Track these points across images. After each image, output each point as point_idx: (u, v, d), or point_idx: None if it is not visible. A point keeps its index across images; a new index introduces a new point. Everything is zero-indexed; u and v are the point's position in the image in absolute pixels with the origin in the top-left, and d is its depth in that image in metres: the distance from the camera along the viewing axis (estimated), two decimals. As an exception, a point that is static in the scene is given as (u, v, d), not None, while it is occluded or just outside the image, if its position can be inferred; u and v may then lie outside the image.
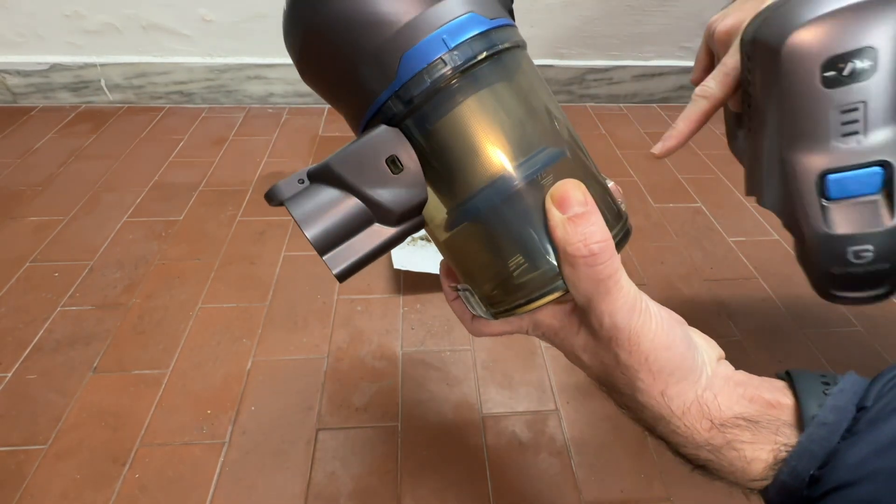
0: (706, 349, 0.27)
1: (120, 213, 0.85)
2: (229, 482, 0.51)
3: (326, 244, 0.25)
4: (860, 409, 0.23)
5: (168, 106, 1.18)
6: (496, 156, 0.24)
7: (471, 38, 0.24)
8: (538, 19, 1.17)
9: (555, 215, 0.24)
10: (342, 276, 0.25)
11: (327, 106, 1.21)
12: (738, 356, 0.65)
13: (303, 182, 0.25)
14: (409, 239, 0.77)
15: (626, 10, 1.17)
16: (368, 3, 0.23)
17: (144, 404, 0.57)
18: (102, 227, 0.82)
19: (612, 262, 0.23)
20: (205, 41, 1.13)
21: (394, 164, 0.25)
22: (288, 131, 1.11)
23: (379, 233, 0.26)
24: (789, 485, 0.23)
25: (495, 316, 0.27)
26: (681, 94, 1.30)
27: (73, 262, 0.75)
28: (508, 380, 0.62)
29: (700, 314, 0.71)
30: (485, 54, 0.24)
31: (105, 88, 1.16)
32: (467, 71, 0.24)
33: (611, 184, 0.28)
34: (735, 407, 0.25)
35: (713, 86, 0.35)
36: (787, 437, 0.24)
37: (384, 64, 0.24)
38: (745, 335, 0.68)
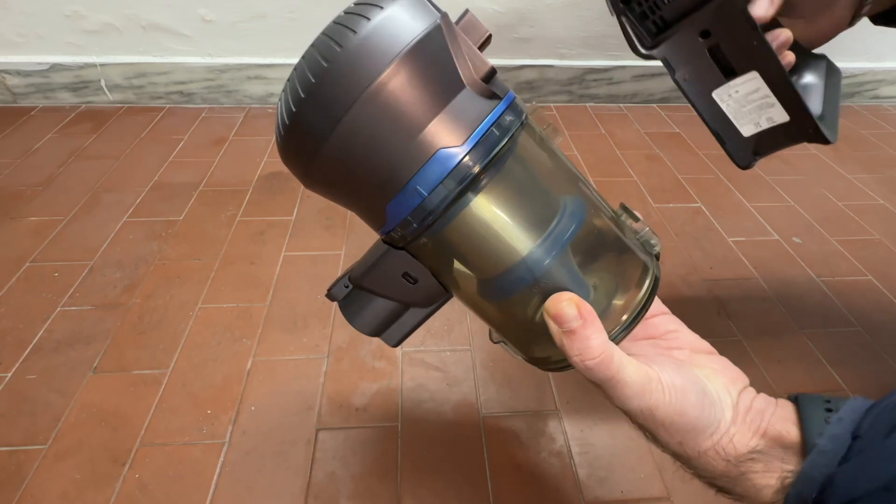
0: (728, 389, 0.29)
1: (120, 213, 0.85)
2: (229, 482, 0.51)
3: (376, 332, 0.31)
4: (855, 437, 0.25)
5: (168, 106, 1.18)
6: (499, 253, 0.26)
7: (443, 181, 0.24)
8: (538, 19, 1.17)
9: (552, 328, 0.26)
10: (396, 345, 0.32)
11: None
12: (739, 356, 0.65)
13: (347, 287, 0.30)
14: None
15: (626, 10, 1.17)
16: (348, 161, 0.24)
17: (144, 404, 0.57)
18: (102, 227, 0.82)
19: (610, 368, 0.25)
20: (205, 41, 1.13)
21: (408, 276, 0.28)
22: (288, 131, 1.11)
23: (416, 313, 0.31)
24: None
25: (532, 363, 0.31)
26: (680, 95, 1.29)
27: (73, 262, 0.75)
28: (508, 380, 0.62)
29: (700, 314, 0.71)
30: (458, 189, 0.24)
31: (105, 88, 1.16)
32: (449, 206, 0.24)
33: (645, 228, 0.30)
34: (749, 443, 0.27)
35: None
36: (793, 465, 0.27)
37: (374, 211, 0.26)
38: (745, 335, 0.68)
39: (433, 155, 0.23)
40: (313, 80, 0.23)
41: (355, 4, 0.24)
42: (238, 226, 0.84)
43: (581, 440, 0.56)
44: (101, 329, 0.66)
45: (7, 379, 0.60)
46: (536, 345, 0.30)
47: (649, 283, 0.28)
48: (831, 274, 0.79)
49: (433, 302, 0.30)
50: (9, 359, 0.62)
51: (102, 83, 1.15)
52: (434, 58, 0.23)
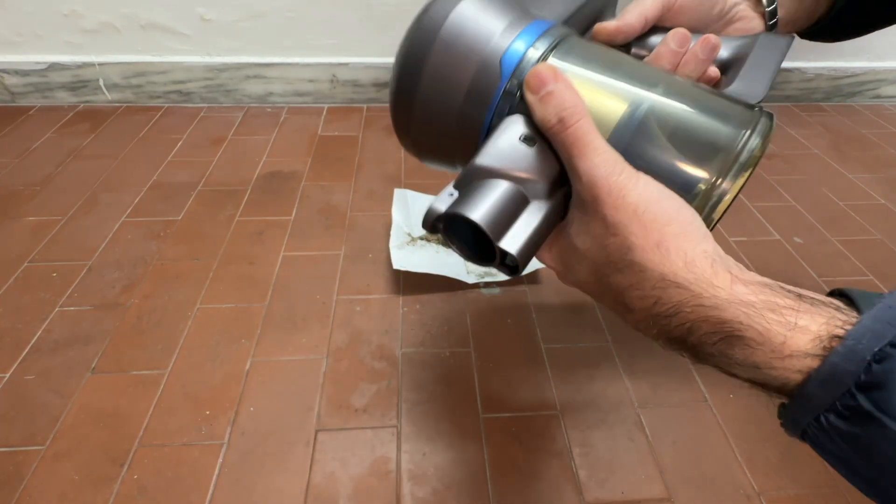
0: None
1: (118, 213, 0.85)
2: (228, 483, 0.51)
3: (496, 226, 0.26)
4: None
5: (166, 105, 1.18)
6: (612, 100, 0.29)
7: (544, 32, 0.30)
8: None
9: (530, 99, 0.27)
10: (520, 255, 0.26)
11: (326, 105, 1.21)
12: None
13: (452, 195, 0.28)
14: (408, 238, 0.77)
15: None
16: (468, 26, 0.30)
17: (143, 405, 0.57)
18: (101, 227, 0.82)
19: (583, 125, 0.25)
20: (203, 40, 1.13)
21: (527, 140, 0.28)
22: (287, 131, 1.11)
23: (538, 208, 0.27)
24: (841, 369, 0.19)
25: None
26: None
27: (72, 262, 0.75)
28: (508, 380, 0.61)
29: (701, 314, 0.71)
30: (556, 42, 0.30)
31: (103, 88, 1.15)
32: (549, 53, 0.29)
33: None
34: (769, 282, 0.22)
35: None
36: (846, 316, 0.20)
37: (490, 71, 0.29)
38: (746, 335, 0.68)
39: (532, 21, 0.30)
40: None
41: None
42: (237, 226, 0.84)
43: (581, 441, 0.55)
44: (100, 329, 0.65)
45: (5, 379, 0.59)
46: None
47: (745, 138, 0.27)
48: (833, 274, 0.79)
49: (552, 191, 0.28)
50: (7, 359, 0.61)
51: (101, 82, 1.15)
52: None
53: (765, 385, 0.22)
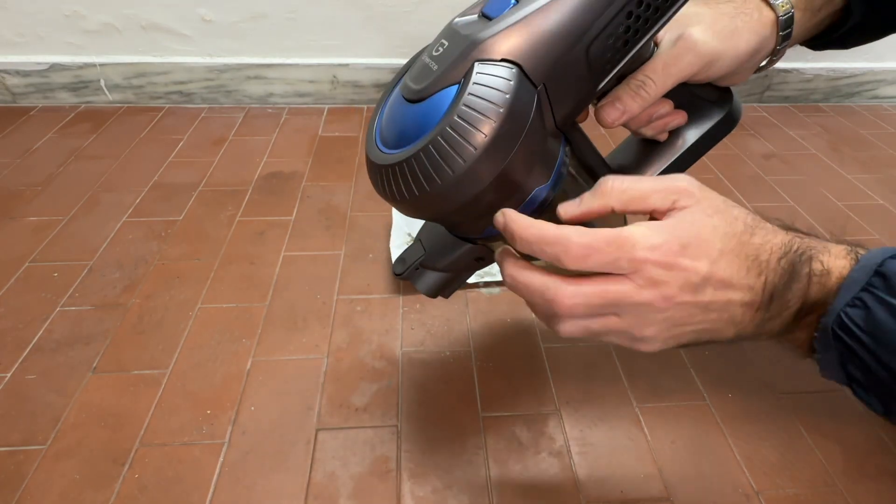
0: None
1: (119, 213, 0.85)
2: (229, 482, 0.51)
3: (437, 294, 0.44)
4: None
5: (167, 106, 1.18)
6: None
7: (531, 212, 0.34)
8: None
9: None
10: (446, 296, 0.45)
11: (327, 106, 1.22)
12: (738, 356, 0.65)
13: (417, 269, 0.42)
14: (408, 238, 0.77)
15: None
16: (459, 212, 0.32)
17: (144, 404, 0.57)
18: (102, 227, 0.82)
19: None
20: (204, 41, 1.13)
21: (479, 260, 0.40)
22: (288, 131, 1.11)
23: (466, 275, 0.45)
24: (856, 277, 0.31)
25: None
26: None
27: (73, 262, 0.75)
28: (508, 380, 0.62)
29: (700, 314, 0.71)
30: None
31: (104, 88, 1.15)
32: None
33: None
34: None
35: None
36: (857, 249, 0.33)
37: (469, 232, 0.38)
38: (745, 335, 0.68)
39: (529, 196, 0.33)
40: (428, 189, 0.30)
41: (463, 118, 0.28)
42: (237, 226, 0.84)
43: (581, 440, 0.56)
44: (101, 329, 0.66)
45: (6, 379, 0.60)
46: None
47: None
48: (831, 274, 0.79)
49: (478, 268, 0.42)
50: (8, 359, 0.62)
51: (102, 83, 1.15)
52: (528, 155, 0.30)
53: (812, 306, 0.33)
